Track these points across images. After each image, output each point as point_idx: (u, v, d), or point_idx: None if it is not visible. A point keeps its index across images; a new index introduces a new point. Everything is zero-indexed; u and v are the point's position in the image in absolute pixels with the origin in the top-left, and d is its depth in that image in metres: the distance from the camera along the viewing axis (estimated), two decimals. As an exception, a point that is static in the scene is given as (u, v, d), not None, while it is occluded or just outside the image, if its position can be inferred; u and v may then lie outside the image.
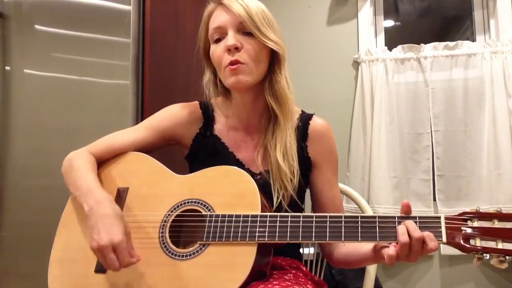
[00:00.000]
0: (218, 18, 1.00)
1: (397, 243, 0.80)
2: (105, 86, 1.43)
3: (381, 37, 2.54)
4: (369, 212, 1.28)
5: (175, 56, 1.66)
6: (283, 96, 1.02)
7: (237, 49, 0.97)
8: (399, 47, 2.37)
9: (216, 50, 1.00)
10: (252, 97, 1.05)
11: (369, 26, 2.50)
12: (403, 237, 0.79)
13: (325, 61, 2.49)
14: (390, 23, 2.68)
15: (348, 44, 2.49)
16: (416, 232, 0.79)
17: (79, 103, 1.44)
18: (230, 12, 0.98)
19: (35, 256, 1.37)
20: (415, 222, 0.81)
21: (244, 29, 0.98)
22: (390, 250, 0.81)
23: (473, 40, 2.44)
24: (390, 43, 2.45)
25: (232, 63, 0.97)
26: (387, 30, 2.57)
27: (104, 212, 0.87)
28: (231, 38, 0.97)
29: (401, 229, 0.80)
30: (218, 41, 1.00)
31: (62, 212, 1.02)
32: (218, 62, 1.00)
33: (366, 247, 0.93)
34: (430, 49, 2.34)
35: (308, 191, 1.13)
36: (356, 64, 2.45)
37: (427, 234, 0.79)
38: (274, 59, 1.03)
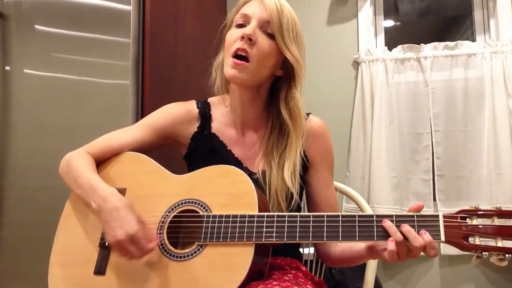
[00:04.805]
0: (250, 7, 1.01)
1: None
2: (105, 86, 1.43)
3: (381, 37, 2.53)
4: (368, 212, 1.28)
5: (175, 56, 1.66)
6: (297, 113, 1.02)
7: (250, 40, 0.96)
8: (399, 47, 2.36)
9: (232, 34, 1.00)
10: (249, 95, 1.05)
11: (369, 26, 2.49)
12: (396, 235, 0.79)
13: (325, 61, 2.49)
14: (390, 23, 2.68)
15: (348, 44, 2.48)
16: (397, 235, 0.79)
17: (79, 103, 1.44)
18: (263, 7, 0.98)
19: (35, 256, 1.37)
20: (413, 221, 0.80)
21: (268, 29, 0.98)
22: (390, 245, 0.80)
23: (473, 40, 2.43)
24: (390, 43, 2.45)
25: (238, 54, 0.96)
26: (387, 30, 2.56)
27: (112, 206, 0.87)
28: (250, 28, 0.97)
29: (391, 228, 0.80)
30: (239, 26, 1.00)
31: (61, 212, 1.02)
32: (228, 45, 1.00)
33: (359, 244, 0.93)
34: (430, 49, 2.34)
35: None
36: (356, 64, 2.44)
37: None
38: (291, 74, 1.02)
